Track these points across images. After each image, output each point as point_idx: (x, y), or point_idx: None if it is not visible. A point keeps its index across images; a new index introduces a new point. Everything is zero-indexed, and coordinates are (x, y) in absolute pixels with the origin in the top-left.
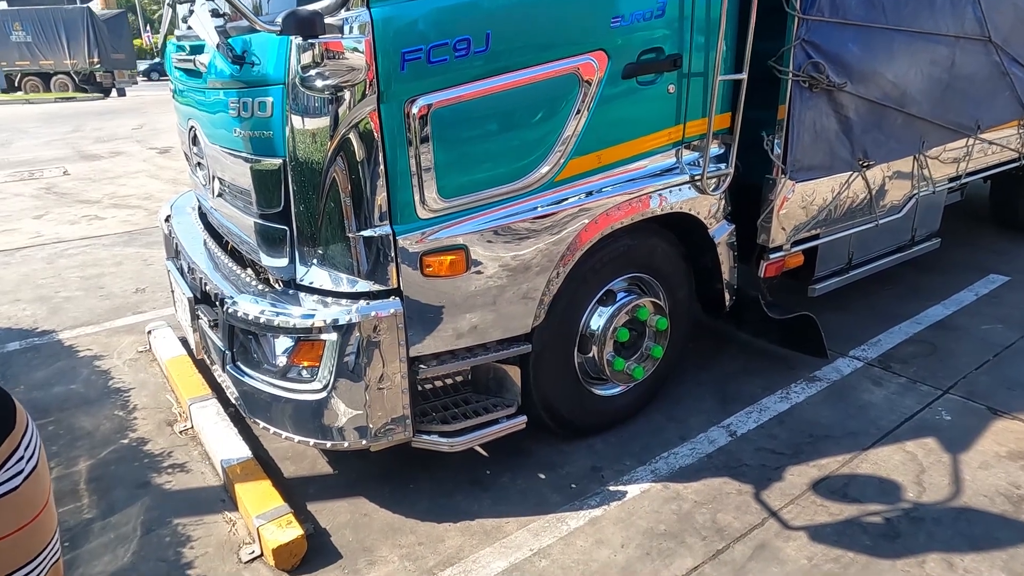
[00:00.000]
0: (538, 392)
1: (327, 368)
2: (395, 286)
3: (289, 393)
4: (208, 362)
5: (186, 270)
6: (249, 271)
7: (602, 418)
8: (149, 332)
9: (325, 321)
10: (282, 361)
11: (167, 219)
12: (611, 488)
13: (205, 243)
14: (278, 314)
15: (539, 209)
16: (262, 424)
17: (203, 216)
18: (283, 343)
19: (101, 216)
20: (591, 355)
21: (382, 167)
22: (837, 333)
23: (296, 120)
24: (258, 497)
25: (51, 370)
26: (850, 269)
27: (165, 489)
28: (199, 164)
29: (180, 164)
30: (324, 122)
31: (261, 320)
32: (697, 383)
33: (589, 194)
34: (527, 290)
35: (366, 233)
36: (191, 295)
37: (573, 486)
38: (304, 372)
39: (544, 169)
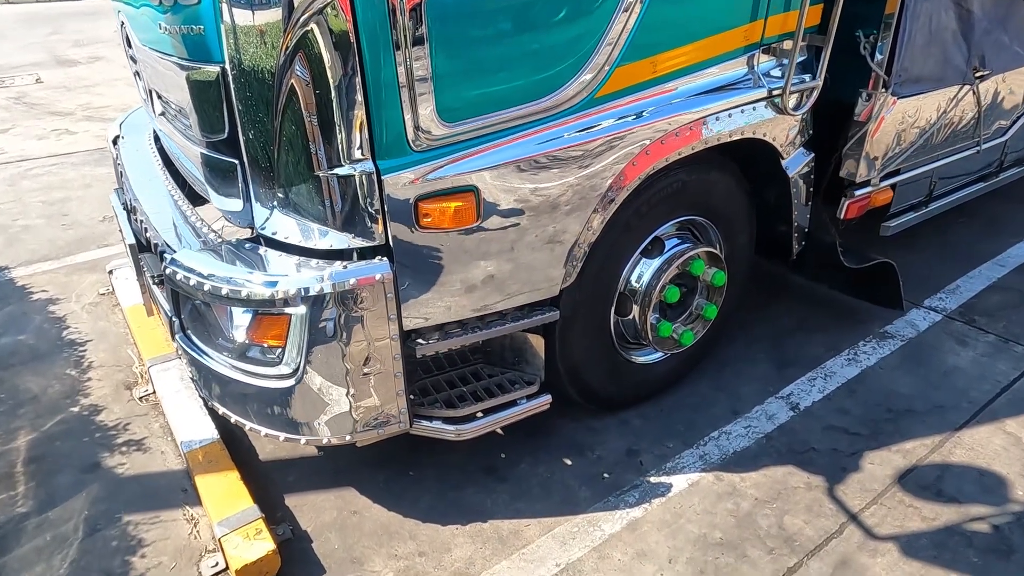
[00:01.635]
0: (565, 362)
1: (295, 348)
2: (382, 242)
3: (250, 378)
4: (160, 322)
5: (129, 208)
6: (205, 212)
7: (639, 389)
8: (111, 272)
9: (289, 291)
10: (240, 336)
11: (115, 141)
12: (652, 480)
13: (156, 174)
14: (228, 280)
15: (575, 136)
16: (221, 411)
17: (157, 139)
18: (240, 314)
19: (72, 130)
20: (630, 317)
21: (358, 77)
22: (907, 277)
23: (234, 9)
24: (223, 495)
25: None
26: (930, 202)
27: (117, 474)
28: (137, 74)
29: None
30: (274, 12)
31: (205, 287)
32: (747, 341)
33: (639, 115)
34: (556, 243)
35: (340, 171)
36: (133, 241)
37: (606, 476)
38: (267, 352)
39: (583, 80)
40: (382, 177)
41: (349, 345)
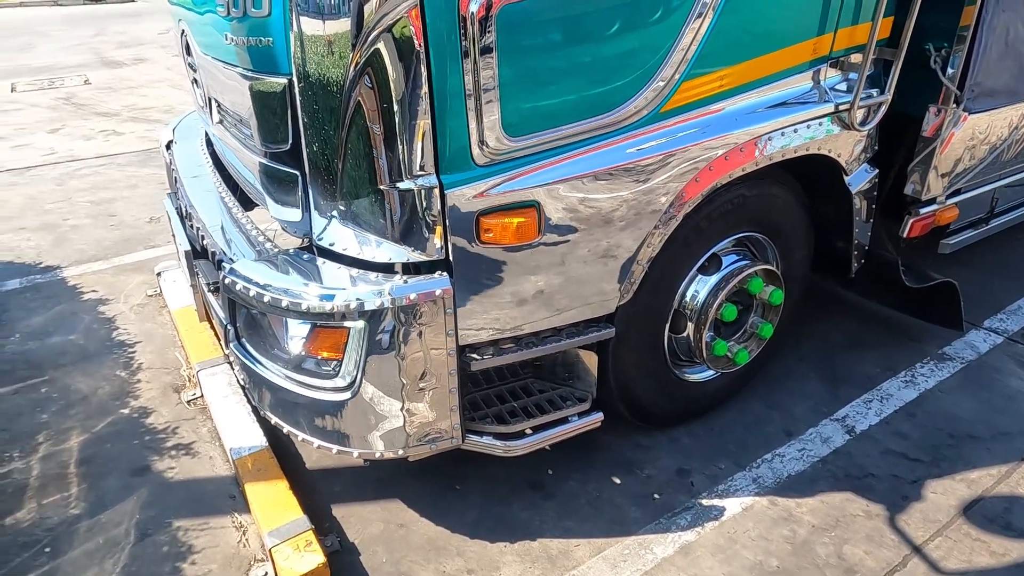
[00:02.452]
0: (617, 380)
1: (352, 362)
2: (441, 256)
3: (306, 389)
4: (212, 329)
5: (184, 214)
6: (257, 218)
7: (689, 406)
8: (159, 274)
9: (348, 305)
10: (296, 348)
11: (168, 146)
12: (704, 502)
13: (209, 180)
14: (286, 291)
15: (638, 151)
16: (274, 420)
17: (210, 143)
18: (297, 326)
19: (119, 131)
20: (684, 335)
21: (425, 89)
22: (964, 296)
23: (304, 21)
24: (272, 504)
25: (50, 315)
26: (991, 219)
27: (166, 478)
28: (195, 81)
29: None
30: (343, 24)
31: (264, 298)
32: (798, 358)
33: (704, 130)
34: (614, 259)
35: (403, 185)
36: (188, 248)
37: (656, 496)
38: (324, 364)
39: (649, 94)
40: (445, 192)
41: (406, 360)
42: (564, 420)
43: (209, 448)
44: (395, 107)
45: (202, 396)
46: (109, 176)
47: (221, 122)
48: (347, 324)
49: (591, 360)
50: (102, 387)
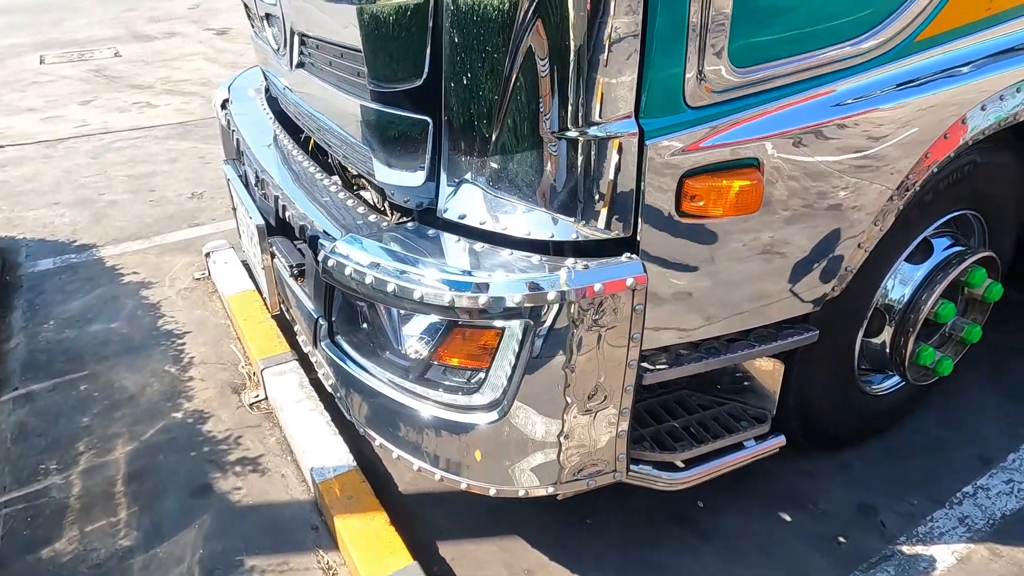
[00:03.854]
0: (797, 395)
1: (502, 373)
2: (627, 234)
3: (430, 406)
4: (289, 319)
5: (253, 182)
6: (339, 185)
7: (867, 425)
8: (208, 255)
9: (511, 297)
10: (420, 352)
11: (224, 104)
12: (905, 549)
13: (281, 141)
14: (421, 279)
15: (884, 94)
16: (379, 442)
17: (272, 102)
18: (422, 324)
19: (154, 103)
20: (878, 339)
21: (630, 4)
22: None
23: None
24: (372, 544)
25: (88, 299)
26: None
27: (232, 501)
28: (267, 17)
29: (240, 47)
30: None
31: (388, 287)
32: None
33: (963, 69)
34: (835, 242)
35: (592, 132)
36: (262, 222)
37: (842, 541)
38: (458, 375)
39: (906, 15)
40: (645, 142)
41: (576, 372)
42: (739, 445)
43: (280, 463)
44: (587, 22)
45: (266, 399)
46: (147, 149)
47: (305, 64)
48: (500, 323)
49: (775, 371)
50: (151, 385)
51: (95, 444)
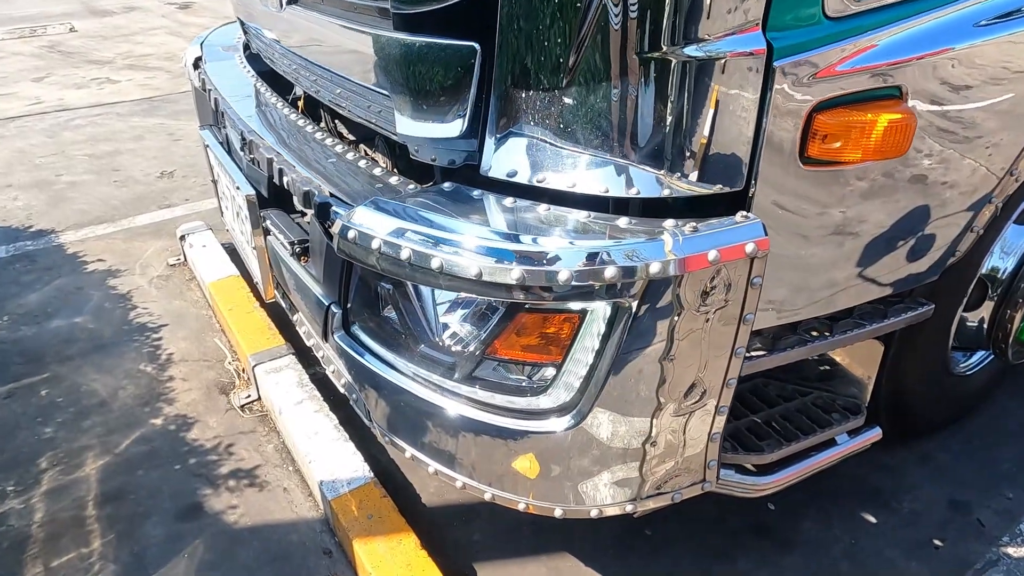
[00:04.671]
0: (891, 381)
1: (581, 368)
2: (738, 187)
3: (482, 411)
4: (287, 308)
5: (239, 146)
6: (345, 146)
7: (953, 409)
8: (183, 238)
9: (602, 270)
10: (465, 344)
11: (197, 64)
12: (1011, 552)
13: (265, 101)
14: (474, 252)
15: None
16: (409, 452)
17: (253, 59)
18: (471, 309)
19: (114, 79)
20: (977, 315)
21: None
22: None
23: None
24: (401, 574)
25: (48, 291)
26: None
27: (227, 523)
28: None
29: (206, 21)
30: None
31: (431, 263)
32: None
33: None
34: (971, 193)
35: (705, 50)
36: (252, 192)
37: (938, 545)
38: (518, 372)
39: None
40: (773, 64)
41: (675, 363)
42: (831, 441)
43: (281, 475)
44: None
45: (259, 399)
46: (109, 127)
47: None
48: (580, 305)
49: (872, 354)
50: (124, 387)
51: (61, 460)
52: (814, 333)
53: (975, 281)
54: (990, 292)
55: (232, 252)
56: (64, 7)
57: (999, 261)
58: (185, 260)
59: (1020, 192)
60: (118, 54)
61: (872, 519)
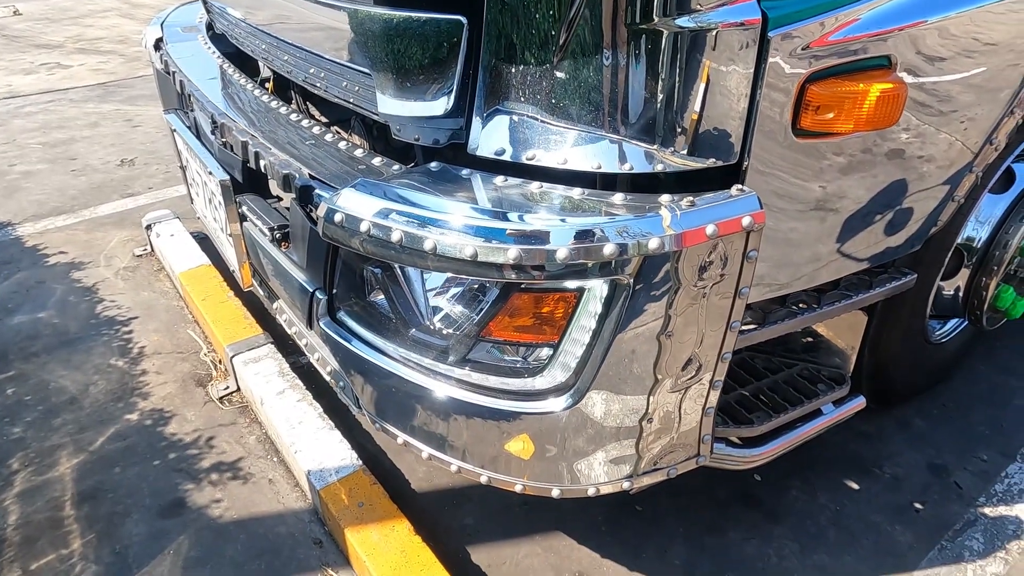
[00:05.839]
0: (873, 350)
1: (578, 347)
2: (735, 159)
3: (476, 393)
4: (263, 296)
5: (209, 130)
6: (321, 128)
7: (931, 376)
8: (149, 228)
9: (601, 247)
10: (458, 327)
11: (158, 44)
12: (987, 511)
13: (234, 82)
14: (467, 232)
15: None
16: (401, 439)
17: (217, 39)
18: (463, 291)
19: (65, 64)
20: (953, 283)
21: None
22: None
23: None
24: (396, 560)
25: (7, 286)
26: None
27: (212, 517)
28: None
29: (158, 2)
30: None
31: (424, 244)
32: None
33: None
34: (956, 163)
35: (699, 20)
36: (226, 177)
37: (919, 507)
38: (513, 353)
39: None
40: (768, 34)
41: (673, 339)
42: (817, 412)
43: (265, 467)
44: None
45: (238, 390)
46: (62, 114)
47: None
48: (577, 284)
49: (856, 324)
50: (95, 383)
51: (32, 460)
52: (803, 305)
53: (952, 250)
54: (966, 261)
55: (202, 241)
56: None
57: (974, 231)
58: (152, 250)
59: (997, 161)
60: (68, 38)
61: (855, 486)
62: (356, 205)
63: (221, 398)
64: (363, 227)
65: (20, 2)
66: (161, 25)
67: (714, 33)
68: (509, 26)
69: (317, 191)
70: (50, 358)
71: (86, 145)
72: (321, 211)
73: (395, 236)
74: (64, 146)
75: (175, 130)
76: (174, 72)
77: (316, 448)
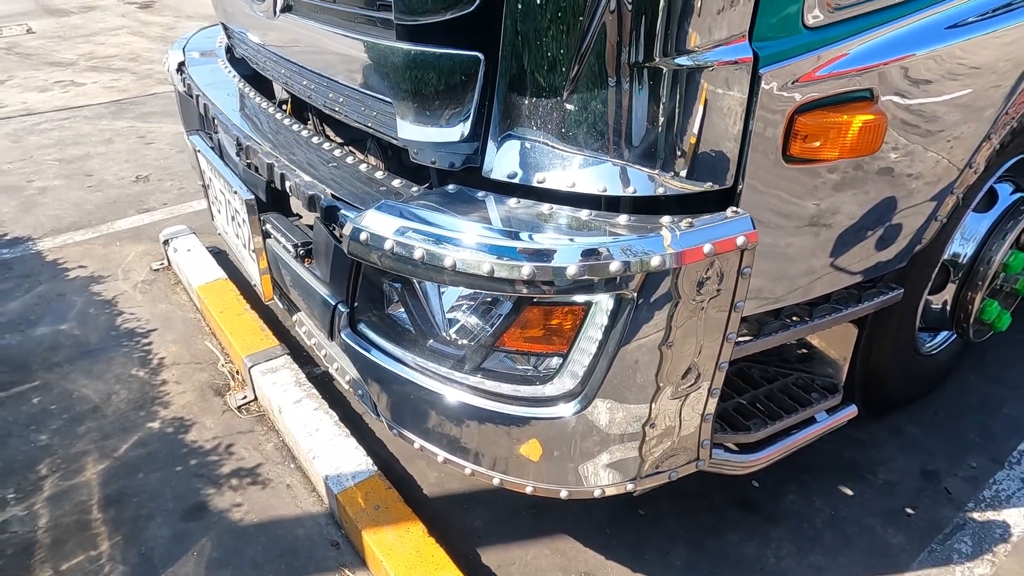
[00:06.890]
0: (865, 361)
1: (586, 357)
2: (727, 184)
3: (490, 400)
4: (284, 308)
5: (234, 151)
6: (341, 150)
7: (923, 385)
8: (167, 243)
9: (608, 265)
10: (473, 338)
11: (180, 67)
12: (976, 516)
13: (255, 105)
14: (485, 250)
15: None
16: (418, 443)
17: (236, 62)
18: (478, 304)
19: (79, 81)
20: (940, 297)
21: None
22: None
23: None
24: (411, 561)
25: (29, 299)
26: None
27: (233, 520)
28: None
29: (168, 20)
30: None
31: (443, 262)
32: None
33: None
34: (937, 184)
35: (697, 59)
36: (251, 196)
37: (911, 512)
38: (525, 362)
39: None
40: (760, 71)
41: (673, 350)
42: (810, 420)
43: (283, 473)
44: None
45: (255, 400)
46: (77, 130)
47: (294, 7)
48: (584, 298)
49: (847, 336)
50: (116, 392)
51: (59, 466)
52: (795, 318)
53: (939, 266)
54: (952, 276)
55: (218, 255)
56: (18, 6)
57: (959, 247)
58: (169, 264)
59: (978, 183)
60: (80, 55)
61: (849, 491)
62: (380, 225)
63: (239, 407)
64: (387, 245)
65: (34, 20)
66: (183, 49)
67: (710, 70)
68: (523, 62)
69: (342, 211)
70: (72, 368)
71: (101, 161)
72: (347, 230)
73: (417, 254)
74: (80, 162)
75: (199, 151)
76: (198, 95)
77: (333, 454)
